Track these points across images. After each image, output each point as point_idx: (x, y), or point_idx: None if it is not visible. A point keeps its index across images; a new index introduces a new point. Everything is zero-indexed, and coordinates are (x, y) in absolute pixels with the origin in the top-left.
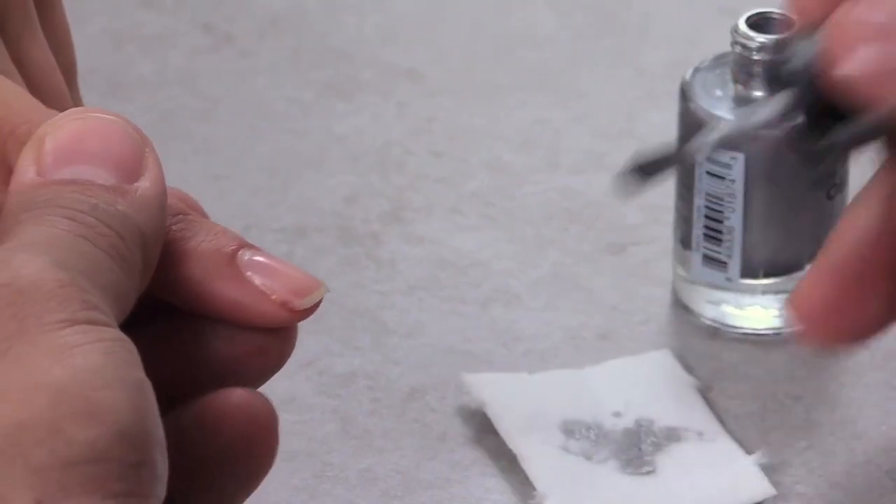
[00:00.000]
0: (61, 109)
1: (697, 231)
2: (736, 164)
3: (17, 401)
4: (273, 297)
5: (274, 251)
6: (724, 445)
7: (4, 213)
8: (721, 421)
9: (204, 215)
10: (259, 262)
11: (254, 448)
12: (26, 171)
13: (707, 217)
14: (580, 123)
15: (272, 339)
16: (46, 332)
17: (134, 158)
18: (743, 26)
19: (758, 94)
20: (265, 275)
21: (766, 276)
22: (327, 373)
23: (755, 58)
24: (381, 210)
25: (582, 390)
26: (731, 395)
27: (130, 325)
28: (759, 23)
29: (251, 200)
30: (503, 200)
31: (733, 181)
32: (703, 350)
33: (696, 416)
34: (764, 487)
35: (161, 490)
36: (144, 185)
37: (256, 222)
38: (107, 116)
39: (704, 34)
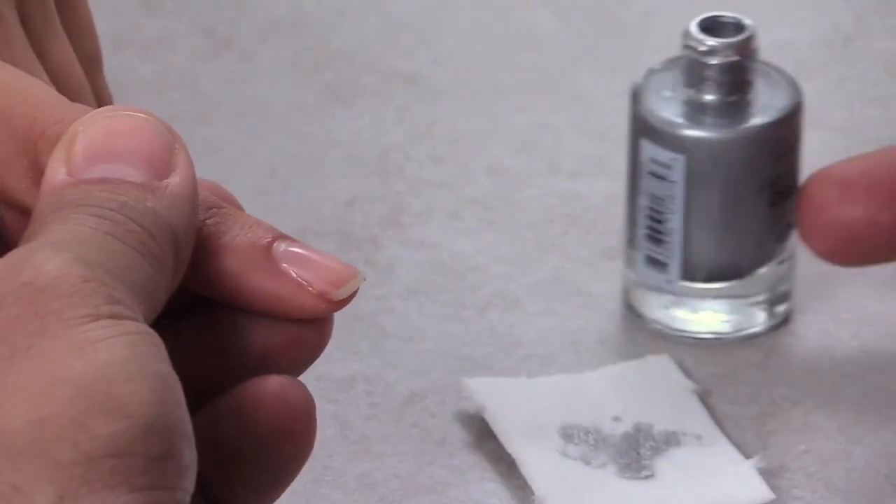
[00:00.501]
0: (82, 103)
1: (641, 231)
2: (676, 165)
3: (40, 397)
4: (310, 288)
5: None
6: (723, 450)
7: (35, 215)
8: (720, 425)
9: (238, 207)
10: (295, 252)
11: (291, 435)
12: (56, 171)
13: (650, 218)
14: (580, 127)
15: (308, 329)
16: (69, 328)
17: (164, 155)
18: (694, 29)
19: (709, 97)
20: (301, 266)
21: (708, 280)
22: (326, 377)
23: (706, 61)
24: (381, 214)
25: (581, 395)
26: (729, 400)
27: (166, 320)
28: (711, 26)
29: (251, 204)
30: (503, 205)
31: (674, 182)
32: (703, 355)
33: (695, 420)
34: (762, 492)
35: (188, 483)
36: (175, 181)
37: None
38: (137, 114)
39: None
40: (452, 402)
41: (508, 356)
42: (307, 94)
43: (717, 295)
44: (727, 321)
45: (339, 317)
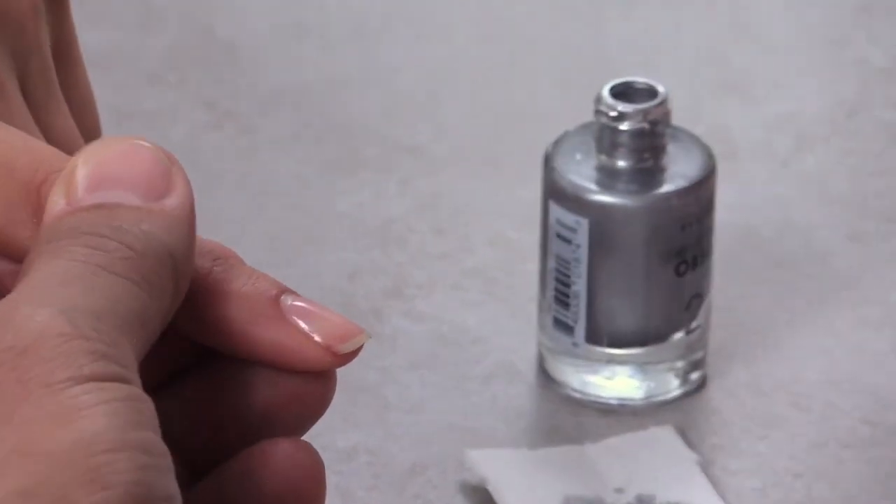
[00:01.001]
0: None
1: (549, 293)
2: (580, 229)
3: (22, 468)
4: (316, 339)
5: None
6: None
7: (32, 247)
8: (722, 497)
9: (240, 261)
10: (301, 307)
11: (300, 499)
12: (56, 203)
13: (557, 280)
14: None
15: (312, 384)
16: (52, 394)
17: (160, 178)
18: (606, 95)
19: (620, 163)
20: (307, 319)
21: (612, 345)
22: (329, 448)
23: (617, 127)
24: (383, 286)
25: (584, 466)
26: (732, 471)
27: (170, 374)
28: (624, 91)
29: None
30: (505, 277)
31: (578, 246)
32: (706, 425)
33: (698, 491)
34: None
35: None
36: (171, 202)
37: None
38: (133, 140)
39: (702, 109)
40: (455, 473)
41: (511, 427)
42: (309, 166)
43: (622, 360)
44: (639, 387)
45: (341, 388)
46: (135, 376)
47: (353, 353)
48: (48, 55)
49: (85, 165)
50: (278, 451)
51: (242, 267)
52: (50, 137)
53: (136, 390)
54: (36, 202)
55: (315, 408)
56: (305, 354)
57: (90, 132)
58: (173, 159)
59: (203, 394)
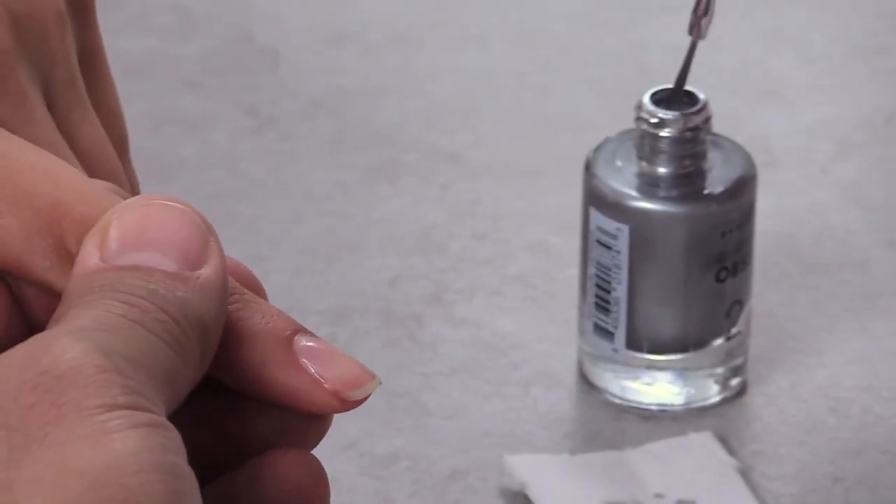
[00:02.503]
0: (115, 183)
1: (590, 299)
2: (622, 236)
3: (54, 488)
4: (325, 385)
5: (316, 334)
6: None
7: (64, 298)
8: (762, 502)
9: (260, 290)
10: (314, 348)
11: None
12: (90, 255)
13: (597, 286)
14: None
15: (313, 423)
16: (84, 418)
17: (198, 246)
18: (647, 101)
19: (661, 169)
20: (319, 363)
21: (652, 351)
22: (369, 454)
23: (658, 133)
24: (424, 292)
25: (623, 472)
26: (771, 477)
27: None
28: (664, 98)
29: (293, 282)
30: (545, 283)
31: (619, 252)
32: (746, 431)
33: (738, 497)
34: None
35: None
36: (207, 273)
37: (298, 304)
38: (172, 204)
39: (741, 118)
40: (495, 479)
41: (551, 433)
42: (349, 172)
43: (662, 366)
44: (679, 393)
45: (381, 394)
46: (164, 417)
47: (362, 400)
48: (74, 64)
49: (120, 221)
50: (283, 461)
51: (258, 304)
52: (77, 147)
53: (166, 421)
54: (58, 235)
55: (310, 441)
56: (314, 398)
57: (118, 140)
58: (210, 227)
59: (204, 420)
